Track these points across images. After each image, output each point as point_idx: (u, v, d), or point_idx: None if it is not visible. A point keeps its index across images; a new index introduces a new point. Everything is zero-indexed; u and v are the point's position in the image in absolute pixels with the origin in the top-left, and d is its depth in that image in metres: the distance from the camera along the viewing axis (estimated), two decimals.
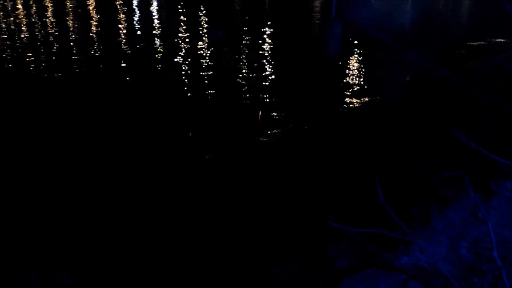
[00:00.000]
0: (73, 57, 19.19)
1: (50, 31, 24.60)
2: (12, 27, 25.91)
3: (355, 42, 21.91)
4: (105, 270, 6.78)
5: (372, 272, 5.50)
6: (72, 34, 24.33)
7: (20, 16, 29.11)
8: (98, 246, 7.32)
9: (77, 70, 17.51)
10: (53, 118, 12.46)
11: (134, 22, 28.11)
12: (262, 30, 24.81)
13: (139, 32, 25.22)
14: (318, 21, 29.01)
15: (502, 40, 22.37)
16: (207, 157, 10.65)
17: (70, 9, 32.31)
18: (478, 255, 5.90)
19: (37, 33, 24.13)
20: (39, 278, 6.29)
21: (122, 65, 18.17)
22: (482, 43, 22.12)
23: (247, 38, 22.81)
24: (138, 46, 21.58)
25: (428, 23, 27.45)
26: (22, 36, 23.20)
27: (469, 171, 6.06)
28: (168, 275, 6.71)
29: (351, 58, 19.32)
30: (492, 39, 22.55)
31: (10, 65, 17.96)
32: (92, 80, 16.36)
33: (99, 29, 25.85)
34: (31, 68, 17.50)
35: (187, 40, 22.24)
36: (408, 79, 16.62)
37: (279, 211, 8.09)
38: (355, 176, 9.20)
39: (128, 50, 20.69)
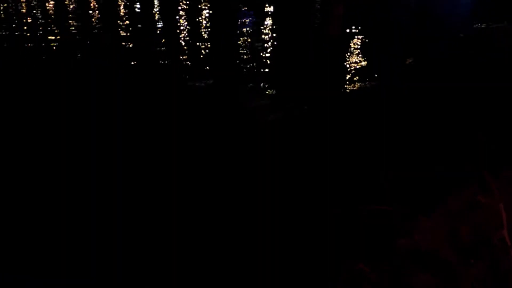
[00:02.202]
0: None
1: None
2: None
3: (358, 22, 21.62)
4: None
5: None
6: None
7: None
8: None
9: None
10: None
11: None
12: (264, 10, 24.50)
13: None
14: (318, 1, 28.61)
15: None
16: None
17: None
18: (478, 238, 5.93)
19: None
20: (33, 277, 6.24)
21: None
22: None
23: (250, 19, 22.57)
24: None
25: (433, 8, 27.00)
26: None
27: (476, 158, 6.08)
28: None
29: (353, 38, 19.10)
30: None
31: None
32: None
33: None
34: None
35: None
36: (411, 61, 16.46)
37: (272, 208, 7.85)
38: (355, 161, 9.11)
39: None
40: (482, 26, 20.18)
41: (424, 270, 5.08)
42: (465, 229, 5.94)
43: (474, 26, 20.02)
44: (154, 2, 26.97)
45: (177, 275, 6.36)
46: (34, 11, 24.77)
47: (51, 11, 25.13)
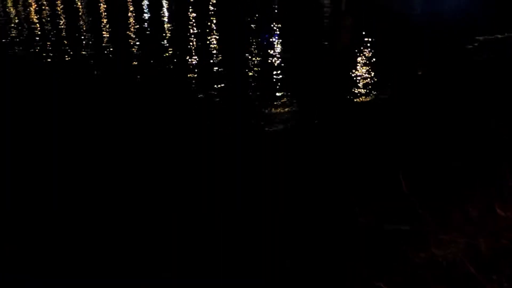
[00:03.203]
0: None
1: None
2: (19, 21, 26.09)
3: (366, 34, 21.60)
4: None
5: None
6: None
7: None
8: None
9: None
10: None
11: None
12: (274, 25, 24.62)
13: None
14: (327, 15, 28.66)
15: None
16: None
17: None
18: (496, 250, 5.72)
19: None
20: (33, 277, 6.19)
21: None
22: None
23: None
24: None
25: (439, 16, 26.90)
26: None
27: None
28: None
29: (362, 50, 19.03)
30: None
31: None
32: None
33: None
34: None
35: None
36: (420, 72, 16.31)
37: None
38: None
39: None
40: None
41: (443, 284, 4.87)
42: (484, 241, 5.72)
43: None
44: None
45: None
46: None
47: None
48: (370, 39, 20.76)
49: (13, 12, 29.92)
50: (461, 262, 5.09)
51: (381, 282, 4.71)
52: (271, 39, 21.41)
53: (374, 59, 17.82)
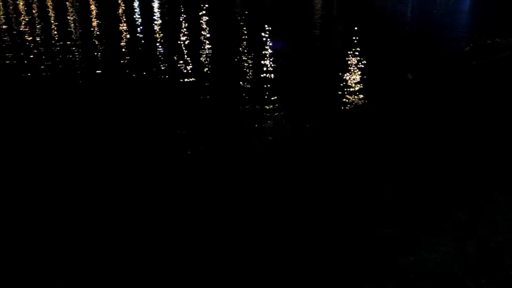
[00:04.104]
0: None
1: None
2: (11, 24, 25.86)
3: (357, 39, 21.77)
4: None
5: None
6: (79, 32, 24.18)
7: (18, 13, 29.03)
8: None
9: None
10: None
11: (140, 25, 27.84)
12: (265, 29, 24.67)
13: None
14: (319, 20, 28.87)
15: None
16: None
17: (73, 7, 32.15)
18: (485, 254, 5.76)
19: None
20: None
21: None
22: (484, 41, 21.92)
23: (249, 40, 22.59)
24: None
25: (429, 24, 27.25)
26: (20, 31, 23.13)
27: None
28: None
29: (353, 55, 19.17)
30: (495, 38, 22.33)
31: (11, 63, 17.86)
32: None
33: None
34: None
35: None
36: (410, 77, 16.47)
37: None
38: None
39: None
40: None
41: (433, 287, 4.90)
42: (473, 246, 5.77)
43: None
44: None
45: None
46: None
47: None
48: (362, 43, 20.93)
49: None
50: (451, 266, 5.13)
51: (372, 286, 4.73)
52: (263, 44, 21.47)
53: (364, 65, 17.95)
